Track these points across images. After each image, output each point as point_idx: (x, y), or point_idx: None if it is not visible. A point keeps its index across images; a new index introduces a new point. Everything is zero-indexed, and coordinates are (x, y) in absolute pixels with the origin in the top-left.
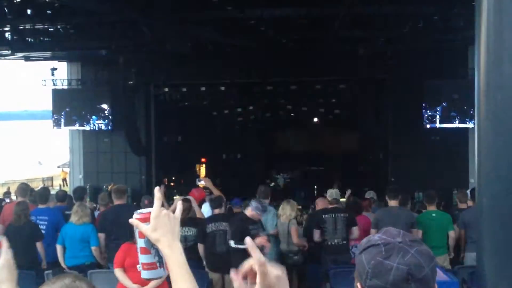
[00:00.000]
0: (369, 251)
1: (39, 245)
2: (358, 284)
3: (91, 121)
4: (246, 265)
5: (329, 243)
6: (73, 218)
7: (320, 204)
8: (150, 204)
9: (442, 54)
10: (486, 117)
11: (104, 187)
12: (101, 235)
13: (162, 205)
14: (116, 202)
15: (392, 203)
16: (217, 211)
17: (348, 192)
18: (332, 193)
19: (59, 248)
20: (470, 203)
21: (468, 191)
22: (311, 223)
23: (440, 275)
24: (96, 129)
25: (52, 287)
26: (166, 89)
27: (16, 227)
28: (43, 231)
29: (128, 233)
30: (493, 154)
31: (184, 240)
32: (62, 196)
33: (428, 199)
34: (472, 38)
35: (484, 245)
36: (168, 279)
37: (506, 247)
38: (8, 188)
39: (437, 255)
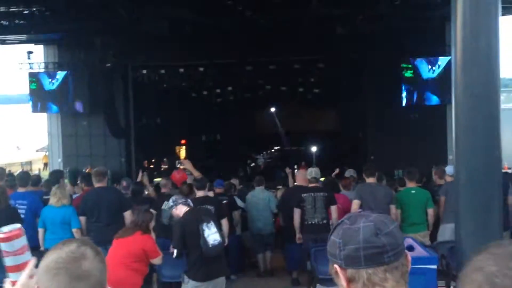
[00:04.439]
0: (336, 230)
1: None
2: (336, 266)
3: (68, 104)
4: None
5: (309, 222)
6: (52, 200)
7: (299, 176)
8: (128, 187)
9: (420, 31)
10: (463, 92)
11: (84, 170)
12: (82, 218)
13: (142, 190)
14: (97, 184)
15: (370, 180)
16: (201, 193)
17: (336, 170)
18: (311, 171)
19: (41, 231)
20: (448, 179)
21: (447, 168)
22: (289, 200)
23: (420, 251)
24: (74, 112)
25: (59, 253)
26: (144, 71)
27: None
28: (22, 215)
29: (109, 216)
30: (470, 128)
31: (169, 217)
32: (36, 180)
33: (409, 176)
34: (448, 15)
35: (462, 220)
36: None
37: (483, 222)
38: None
39: (417, 232)
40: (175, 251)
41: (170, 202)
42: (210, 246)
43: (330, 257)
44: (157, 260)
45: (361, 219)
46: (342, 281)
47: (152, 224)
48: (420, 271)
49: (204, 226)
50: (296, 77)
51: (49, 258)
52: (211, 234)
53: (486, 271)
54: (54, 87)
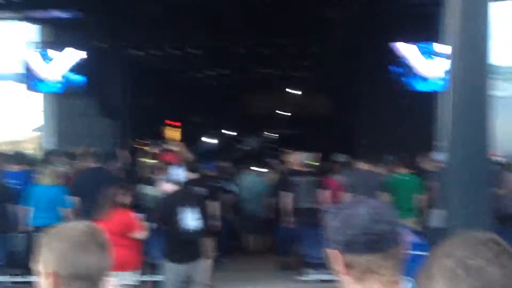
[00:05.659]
0: (335, 214)
1: (14, 207)
2: (334, 251)
3: (64, 83)
4: None
5: (300, 206)
6: (44, 179)
7: (294, 161)
8: (122, 167)
9: (412, 17)
10: (454, 79)
11: (76, 150)
12: (76, 198)
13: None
14: (90, 165)
15: (363, 165)
16: (193, 176)
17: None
18: (303, 156)
19: (29, 209)
20: (436, 164)
21: (435, 154)
22: (282, 184)
23: (410, 237)
24: (69, 92)
25: (77, 228)
26: (140, 52)
27: None
28: None
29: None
30: (460, 116)
31: (152, 200)
32: (30, 159)
33: (400, 162)
34: (441, 0)
35: (452, 208)
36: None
37: (473, 209)
38: None
39: (407, 217)
40: (155, 224)
41: (162, 178)
42: (184, 230)
43: (328, 241)
44: (139, 235)
45: (361, 205)
46: (339, 266)
47: (127, 198)
48: (410, 258)
49: (183, 210)
50: (289, 60)
51: (68, 235)
52: (188, 219)
53: (457, 255)
54: (49, 66)
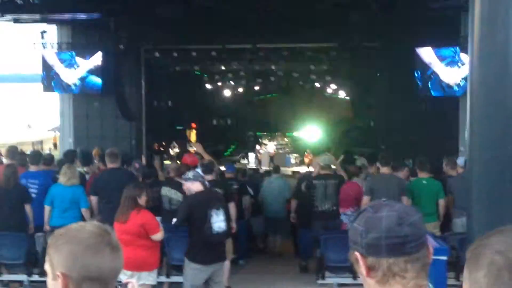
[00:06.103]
0: (359, 217)
1: (28, 208)
2: (357, 254)
3: (81, 85)
4: None
5: (320, 209)
6: (62, 179)
7: (315, 164)
8: (139, 169)
9: (435, 21)
10: (479, 84)
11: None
12: (94, 198)
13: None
14: (110, 165)
15: (384, 169)
16: (208, 177)
17: (341, 157)
18: (324, 159)
19: (47, 209)
20: (460, 170)
21: (459, 159)
22: (301, 186)
23: (430, 242)
24: (86, 93)
25: (88, 230)
26: (157, 54)
27: (5, 189)
28: (34, 194)
29: (120, 197)
30: (485, 121)
31: (168, 202)
32: (49, 159)
33: (420, 166)
34: (464, 5)
35: (474, 212)
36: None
37: (495, 214)
38: None
39: (427, 222)
40: (175, 219)
41: (189, 175)
42: (214, 233)
43: (351, 244)
44: (157, 236)
45: (385, 208)
46: (362, 269)
47: (144, 199)
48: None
49: (213, 212)
50: (309, 64)
51: (77, 236)
52: (218, 222)
53: (510, 256)
54: (66, 67)
